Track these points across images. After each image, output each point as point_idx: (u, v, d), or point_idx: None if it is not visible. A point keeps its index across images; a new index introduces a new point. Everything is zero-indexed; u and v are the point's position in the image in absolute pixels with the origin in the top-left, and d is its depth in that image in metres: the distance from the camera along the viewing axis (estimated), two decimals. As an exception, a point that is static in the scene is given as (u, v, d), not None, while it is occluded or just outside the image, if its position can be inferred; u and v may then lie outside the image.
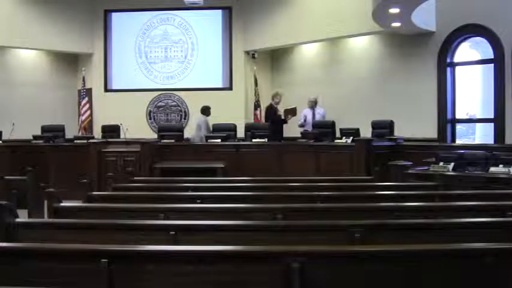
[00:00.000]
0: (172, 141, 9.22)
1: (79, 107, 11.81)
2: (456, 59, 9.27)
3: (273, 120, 10.00)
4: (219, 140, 9.14)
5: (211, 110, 10.33)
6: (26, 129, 9.68)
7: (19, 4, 10.94)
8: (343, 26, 9.99)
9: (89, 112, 11.72)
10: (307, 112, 10.15)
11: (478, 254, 2.46)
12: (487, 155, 5.85)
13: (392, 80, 9.92)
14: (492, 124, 8.66)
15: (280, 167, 8.50)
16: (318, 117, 9.99)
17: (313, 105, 10.09)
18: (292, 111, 10.07)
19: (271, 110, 10.33)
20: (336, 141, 8.33)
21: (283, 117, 10.11)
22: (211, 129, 9.83)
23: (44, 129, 9.90)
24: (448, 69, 9.22)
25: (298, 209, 3.87)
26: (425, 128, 9.18)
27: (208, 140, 9.22)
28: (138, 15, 12.10)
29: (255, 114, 11.54)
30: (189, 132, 10.68)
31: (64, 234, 3.17)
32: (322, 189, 5.05)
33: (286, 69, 12.07)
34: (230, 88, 11.85)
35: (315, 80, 11.30)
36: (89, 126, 11.62)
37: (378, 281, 2.42)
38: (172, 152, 8.84)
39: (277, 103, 10.33)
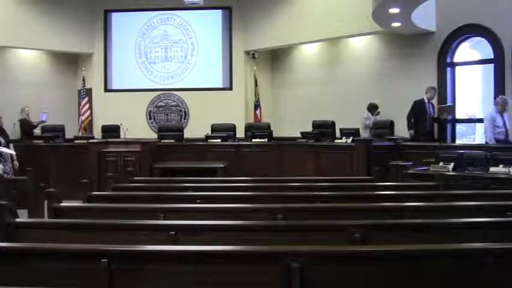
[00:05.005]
0: (172, 141, 9.24)
1: (79, 107, 11.81)
2: (456, 59, 9.27)
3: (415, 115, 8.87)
4: (219, 140, 9.15)
5: (211, 110, 10.31)
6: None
7: (19, 4, 10.93)
8: (343, 26, 9.98)
9: (89, 112, 11.71)
10: (496, 115, 7.83)
11: (478, 254, 2.46)
12: (487, 155, 5.85)
13: (392, 80, 9.91)
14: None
15: (280, 167, 8.51)
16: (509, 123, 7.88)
17: (503, 108, 7.78)
18: (448, 110, 8.91)
19: (421, 106, 8.88)
20: (336, 141, 8.33)
21: (436, 116, 8.94)
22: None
23: (44, 129, 9.91)
24: (448, 69, 9.21)
25: (298, 209, 3.87)
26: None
27: (208, 140, 9.24)
28: (138, 15, 12.10)
29: (255, 114, 11.54)
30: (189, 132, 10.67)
31: (64, 234, 3.17)
32: (322, 189, 5.05)
33: (286, 69, 12.06)
34: (230, 88, 11.84)
35: (315, 80, 11.31)
36: (89, 126, 11.62)
37: (378, 281, 2.42)
38: (172, 152, 8.85)
39: (430, 99, 8.90)
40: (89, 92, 11.84)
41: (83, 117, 11.59)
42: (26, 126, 10.12)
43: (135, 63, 12.08)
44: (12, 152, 7.74)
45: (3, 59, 11.21)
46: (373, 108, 9.70)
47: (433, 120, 8.95)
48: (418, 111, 8.90)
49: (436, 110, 9.00)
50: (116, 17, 12.09)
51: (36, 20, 11.13)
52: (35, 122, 10.49)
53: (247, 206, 4.00)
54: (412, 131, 8.89)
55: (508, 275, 2.42)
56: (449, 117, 8.98)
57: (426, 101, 8.89)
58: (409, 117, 9.00)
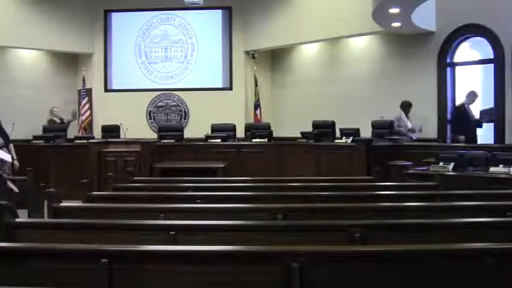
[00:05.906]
0: (172, 141, 9.24)
1: (79, 107, 11.81)
2: (456, 59, 9.27)
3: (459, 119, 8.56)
4: (219, 140, 9.15)
5: (211, 110, 10.29)
6: (26, 129, 9.69)
7: (19, 4, 10.93)
8: (343, 26, 9.99)
9: (89, 112, 11.72)
10: None
11: (478, 254, 2.46)
12: (487, 155, 5.84)
13: (392, 80, 9.91)
14: (492, 124, 8.65)
15: (280, 167, 8.51)
16: None
17: None
18: (490, 112, 8.62)
19: (463, 111, 8.61)
20: (336, 141, 8.33)
21: (479, 119, 8.62)
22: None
23: (45, 129, 9.91)
24: (448, 69, 9.22)
25: (298, 209, 3.87)
26: (425, 128, 9.17)
27: (208, 140, 9.24)
28: (138, 15, 12.10)
29: (255, 114, 11.54)
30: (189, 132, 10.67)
31: (64, 234, 3.16)
32: (322, 189, 5.04)
33: (286, 69, 12.07)
34: (230, 88, 11.85)
35: (315, 80, 11.31)
36: (89, 126, 11.62)
37: (378, 281, 2.42)
38: (172, 152, 8.85)
39: (470, 103, 8.63)
40: (89, 92, 11.84)
41: (83, 117, 11.59)
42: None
43: (135, 63, 12.08)
44: (8, 155, 7.72)
45: (3, 59, 11.21)
46: (407, 107, 9.17)
47: (476, 123, 8.63)
48: (461, 115, 8.60)
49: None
50: (116, 17, 12.09)
51: (36, 20, 11.13)
52: (65, 119, 11.05)
53: (247, 206, 3.99)
54: (462, 137, 8.37)
55: (508, 275, 2.42)
56: (491, 118, 8.70)
57: (467, 105, 8.61)
58: (455, 124, 8.70)
